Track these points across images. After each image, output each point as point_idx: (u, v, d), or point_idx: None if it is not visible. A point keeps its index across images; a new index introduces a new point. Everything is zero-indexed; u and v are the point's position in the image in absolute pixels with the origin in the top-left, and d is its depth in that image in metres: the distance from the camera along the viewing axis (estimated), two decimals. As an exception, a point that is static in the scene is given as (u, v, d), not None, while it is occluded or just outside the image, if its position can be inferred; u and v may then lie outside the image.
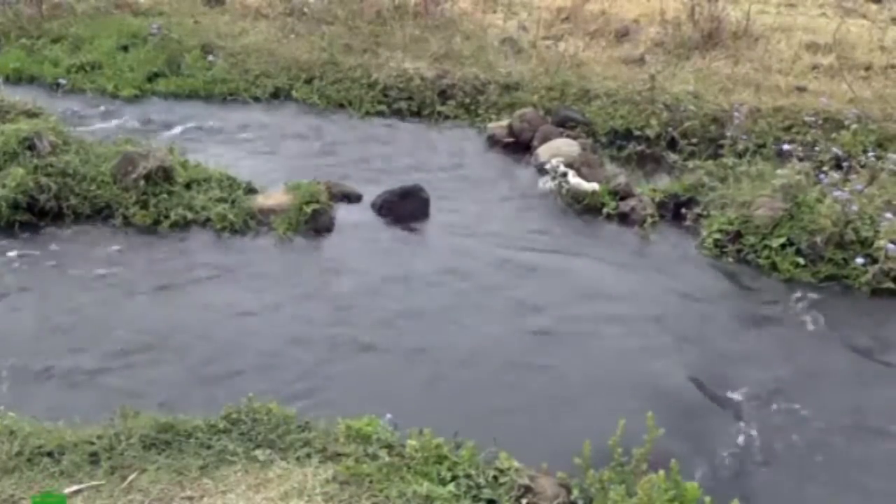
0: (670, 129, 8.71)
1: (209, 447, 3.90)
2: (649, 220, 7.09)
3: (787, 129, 8.56)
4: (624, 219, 7.23)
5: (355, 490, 3.67)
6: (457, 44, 10.64)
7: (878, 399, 5.16)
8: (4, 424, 3.99)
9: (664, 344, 5.59)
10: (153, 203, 6.90)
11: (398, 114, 9.57)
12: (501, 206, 7.56)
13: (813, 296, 6.22)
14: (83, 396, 4.83)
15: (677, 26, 10.85)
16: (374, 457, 3.86)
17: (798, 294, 6.25)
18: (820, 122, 8.37)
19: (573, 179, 7.46)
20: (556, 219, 7.36)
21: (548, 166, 7.74)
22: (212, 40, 10.78)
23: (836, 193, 6.62)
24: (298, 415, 4.15)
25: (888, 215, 6.46)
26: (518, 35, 11.12)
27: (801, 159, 7.23)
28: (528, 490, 3.76)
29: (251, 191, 7.26)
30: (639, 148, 8.74)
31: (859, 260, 6.32)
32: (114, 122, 9.03)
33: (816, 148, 7.86)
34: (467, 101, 9.58)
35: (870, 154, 7.59)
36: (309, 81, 10.02)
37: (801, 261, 6.44)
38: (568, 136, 8.45)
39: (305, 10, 11.62)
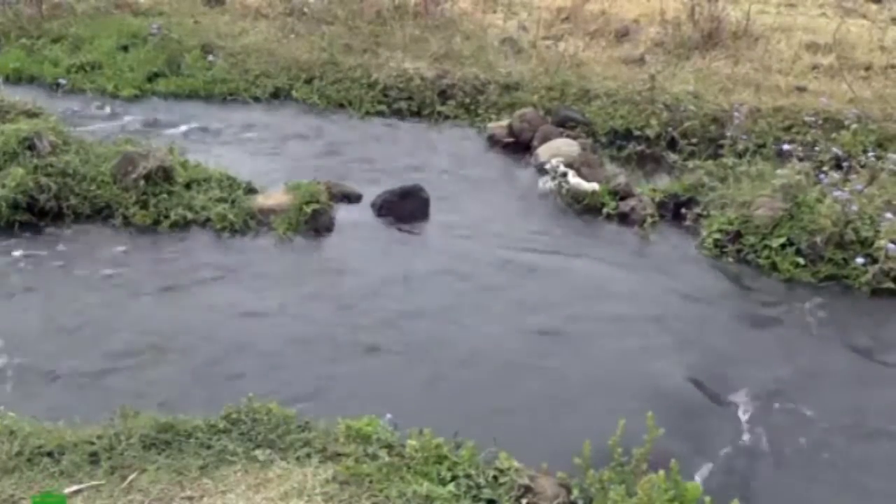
0: (670, 129, 8.71)
1: (209, 447, 3.90)
2: (649, 220, 7.09)
3: (787, 129, 8.56)
4: (624, 219, 7.23)
5: (355, 490, 3.67)
6: (457, 44, 10.64)
7: (878, 399, 5.17)
8: (4, 424, 3.99)
9: (664, 344, 5.59)
10: (153, 203, 6.90)
11: (398, 114, 9.57)
12: (501, 206, 7.56)
13: (813, 296, 6.22)
14: (88, 396, 4.83)
15: (677, 26, 10.85)
16: (374, 457, 3.86)
17: (798, 294, 6.26)
18: (820, 122, 8.37)
19: (573, 179, 7.46)
20: (556, 219, 7.36)
21: (548, 166, 7.74)
22: (212, 40, 10.79)
23: (836, 193, 6.62)
24: (298, 415, 4.15)
25: (889, 215, 6.46)
26: (518, 35, 11.12)
27: (801, 159, 7.23)
28: (528, 490, 3.76)
29: (251, 191, 7.26)
30: (639, 148, 8.74)
31: (859, 260, 6.32)
32: (114, 123, 9.03)
33: (816, 148, 7.86)
34: (467, 101, 9.58)
35: (870, 154, 7.59)
36: (309, 81, 10.02)
37: (801, 261, 6.44)
38: (568, 136, 8.45)
39: (305, 10, 11.62)
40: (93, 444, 3.87)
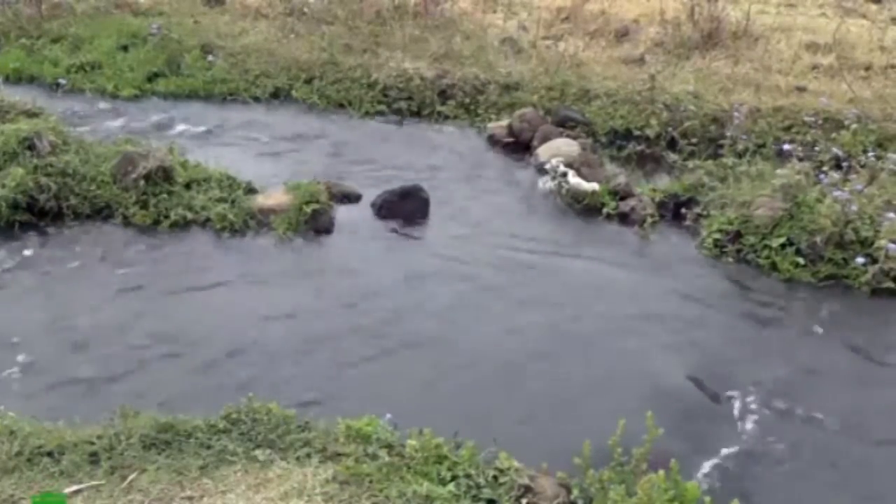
0: (670, 129, 8.71)
1: (209, 447, 3.90)
2: (649, 219, 7.09)
3: (787, 129, 8.56)
4: (624, 219, 7.23)
5: (355, 490, 3.67)
6: (457, 44, 10.63)
7: (878, 399, 5.17)
8: (4, 424, 3.99)
9: (664, 344, 5.59)
10: (153, 203, 6.90)
11: (398, 114, 9.57)
12: (501, 206, 7.56)
13: (813, 296, 6.22)
14: (89, 397, 4.83)
15: (677, 26, 10.84)
16: (374, 457, 3.86)
17: (798, 294, 6.26)
18: (820, 122, 8.37)
19: (573, 179, 7.46)
20: (555, 219, 7.36)
21: (548, 166, 7.74)
22: (212, 40, 10.78)
23: (836, 193, 6.62)
24: (298, 415, 4.15)
25: (890, 215, 6.46)
26: (518, 35, 11.11)
27: (801, 159, 7.22)
28: (528, 490, 3.76)
29: (251, 191, 7.26)
30: (639, 148, 8.74)
31: (859, 260, 6.32)
32: (113, 122, 9.02)
33: (816, 148, 7.86)
34: (467, 101, 9.58)
35: (870, 154, 7.58)
36: (309, 81, 10.01)
37: (801, 261, 6.44)
38: (568, 136, 8.45)
39: (305, 10, 11.62)
40: (93, 444, 3.87)
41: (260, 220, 6.91)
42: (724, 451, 4.62)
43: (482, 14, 12.12)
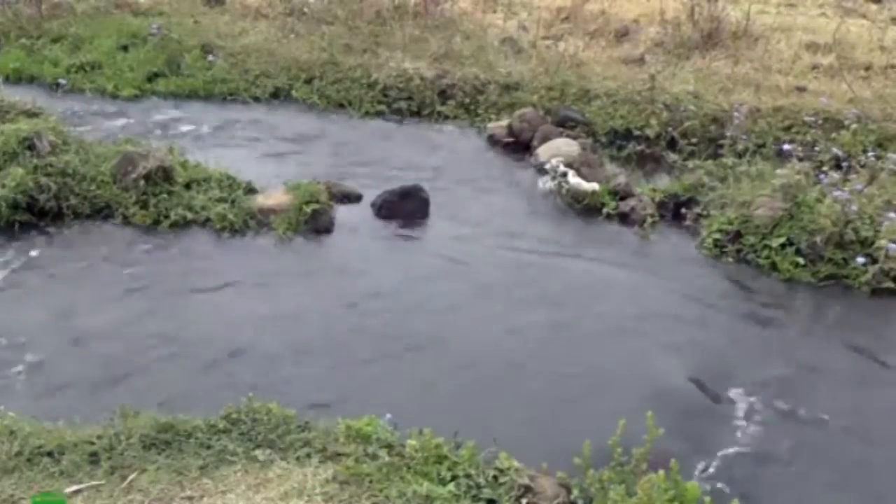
0: (670, 129, 8.71)
1: (209, 447, 3.90)
2: (649, 219, 7.09)
3: (787, 129, 8.56)
4: (624, 219, 7.23)
5: (355, 490, 3.67)
6: (457, 44, 10.64)
7: (878, 399, 5.17)
8: (4, 424, 3.99)
9: (664, 344, 5.59)
10: (153, 203, 6.90)
11: (398, 114, 9.57)
12: (501, 206, 7.56)
13: (813, 296, 6.22)
14: (91, 396, 4.83)
15: (677, 26, 10.85)
16: (374, 457, 3.86)
17: (798, 294, 6.26)
18: (820, 122, 8.37)
19: (573, 179, 7.46)
20: (555, 219, 7.36)
21: (548, 166, 7.74)
22: (212, 40, 10.79)
23: (836, 193, 6.62)
24: (298, 415, 4.15)
25: (890, 215, 6.46)
26: (518, 35, 11.12)
27: (801, 159, 7.22)
28: (528, 490, 3.76)
29: (251, 191, 7.26)
30: (639, 148, 8.74)
31: (859, 260, 6.32)
32: (113, 122, 9.02)
33: (816, 148, 7.86)
34: (467, 101, 9.58)
35: (870, 154, 7.58)
36: (309, 81, 10.02)
37: (801, 261, 6.44)
38: (568, 136, 8.45)
39: (305, 10, 11.62)
40: (93, 444, 3.87)
41: (260, 220, 6.91)
42: (724, 451, 4.62)
43: (482, 14, 12.12)
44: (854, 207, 6.49)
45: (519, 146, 8.65)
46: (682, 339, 5.65)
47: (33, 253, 6.41)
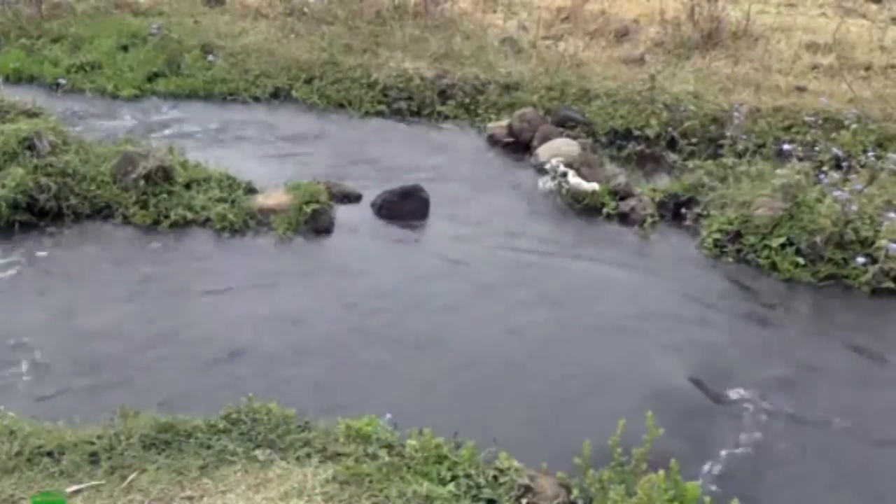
0: (670, 129, 8.71)
1: (209, 447, 3.90)
2: (649, 219, 7.09)
3: (787, 129, 8.56)
4: (624, 219, 7.24)
5: (355, 490, 3.67)
6: (457, 44, 10.64)
7: (878, 399, 5.17)
8: (4, 424, 3.99)
9: (664, 344, 5.59)
10: (153, 203, 6.90)
11: (398, 114, 9.57)
12: (501, 206, 7.56)
13: (813, 296, 6.22)
14: (92, 395, 4.84)
15: (677, 26, 10.85)
16: (374, 457, 3.86)
17: (798, 294, 6.26)
18: (820, 122, 8.37)
19: (573, 179, 7.46)
20: (555, 219, 7.36)
21: (548, 166, 7.74)
22: (212, 40, 10.79)
23: (836, 193, 6.62)
24: (298, 415, 4.15)
25: (890, 215, 6.46)
26: (518, 35, 11.12)
27: (800, 159, 7.22)
28: (528, 490, 3.76)
29: (251, 191, 7.26)
30: (639, 148, 8.75)
31: (859, 260, 6.32)
32: (113, 122, 9.02)
33: (816, 148, 7.86)
34: (467, 101, 9.58)
35: (870, 154, 7.59)
36: (309, 81, 10.02)
37: (801, 261, 6.44)
38: (568, 136, 8.45)
39: (305, 10, 11.63)
40: (93, 444, 3.87)
41: (260, 220, 6.91)
42: (724, 451, 4.62)
43: (482, 14, 12.12)
44: (854, 207, 6.49)
45: (519, 146, 8.65)
46: (682, 339, 5.65)
47: (40, 253, 6.41)
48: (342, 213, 7.18)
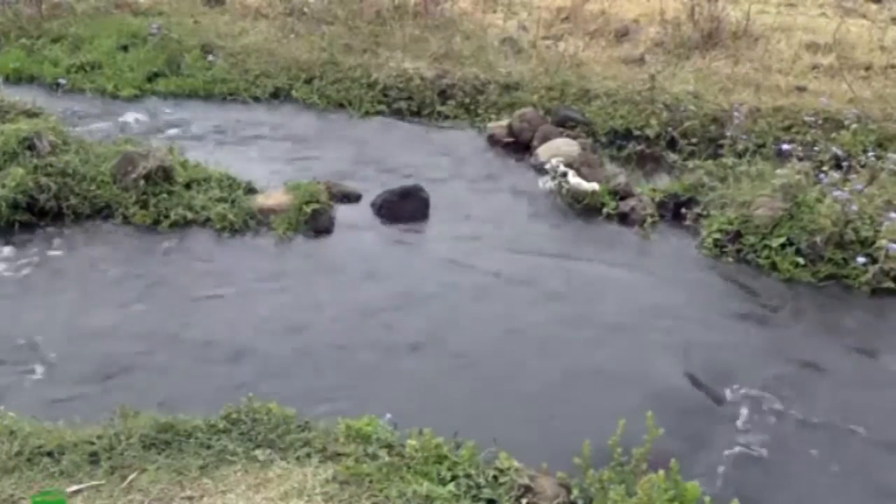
0: (670, 129, 8.71)
1: (209, 447, 3.90)
2: (649, 219, 7.09)
3: (787, 128, 8.56)
4: (624, 219, 7.23)
5: (355, 490, 3.67)
6: (457, 44, 10.64)
7: (878, 399, 5.16)
8: (4, 424, 3.99)
9: (664, 344, 5.59)
10: (153, 203, 6.90)
11: (398, 114, 9.57)
12: (501, 206, 7.56)
13: (813, 296, 6.22)
14: (92, 394, 4.84)
15: (677, 26, 10.85)
16: (374, 457, 3.86)
17: (798, 294, 6.26)
18: (820, 122, 8.37)
19: (573, 179, 7.46)
20: (555, 219, 7.35)
21: (548, 166, 7.74)
22: (212, 40, 10.79)
23: (836, 193, 6.62)
24: (298, 415, 4.15)
25: (890, 215, 6.46)
26: (518, 35, 11.12)
27: (800, 159, 7.22)
28: (528, 490, 3.76)
29: (251, 191, 7.26)
30: (639, 148, 8.75)
31: (860, 260, 6.32)
32: (114, 122, 9.02)
33: (816, 148, 7.85)
34: (467, 101, 9.58)
35: (870, 154, 7.58)
36: (309, 81, 10.02)
37: (801, 261, 6.44)
38: (568, 136, 8.45)
39: (305, 10, 11.62)
40: (93, 444, 3.87)
41: (260, 220, 6.91)
42: (724, 451, 4.62)
43: (482, 14, 12.12)
44: (854, 207, 6.49)
45: (519, 146, 8.65)
46: (681, 338, 5.65)
47: (43, 253, 6.41)
48: (342, 213, 7.19)
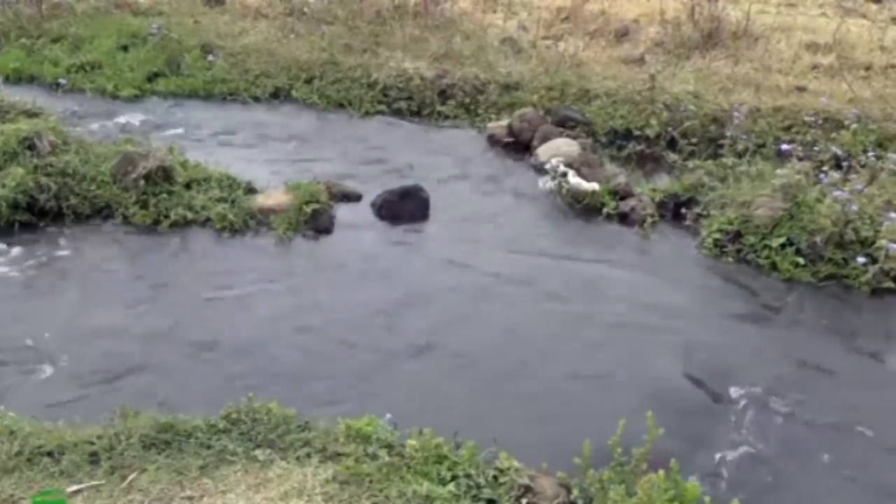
0: (670, 129, 8.71)
1: (209, 447, 3.90)
2: (649, 219, 7.09)
3: (787, 128, 8.56)
4: (624, 219, 7.23)
5: (355, 490, 3.67)
6: (457, 44, 10.64)
7: (878, 399, 5.16)
8: (4, 424, 3.99)
9: (664, 343, 5.59)
10: (153, 203, 6.90)
11: (398, 114, 9.57)
12: (501, 205, 7.56)
13: (813, 296, 6.22)
14: (94, 394, 4.84)
15: (677, 26, 10.85)
16: (374, 457, 3.86)
17: (798, 294, 6.26)
18: (820, 121, 8.37)
19: (573, 179, 7.46)
20: (555, 219, 7.36)
21: (548, 166, 7.73)
22: (212, 40, 10.79)
23: (836, 193, 6.62)
24: (298, 415, 4.15)
25: (890, 215, 6.46)
26: (518, 35, 11.12)
27: (800, 159, 7.23)
28: (528, 490, 3.76)
29: (251, 190, 7.26)
30: (639, 148, 8.74)
31: (860, 260, 6.32)
32: (114, 122, 9.02)
33: (816, 148, 7.86)
34: (467, 100, 9.58)
35: (870, 154, 7.58)
36: (309, 81, 10.02)
37: (801, 261, 6.44)
38: (568, 136, 8.45)
39: (305, 10, 11.62)
40: (93, 444, 3.87)
41: (260, 220, 6.91)
42: (725, 451, 4.62)
43: (482, 14, 12.12)
44: (854, 207, 6.49)
45: (519, 146, 8.65)
46: (681, 338, 5.65)
47: (53, 253, 6.41)
48: (342, 212, 7.19)
